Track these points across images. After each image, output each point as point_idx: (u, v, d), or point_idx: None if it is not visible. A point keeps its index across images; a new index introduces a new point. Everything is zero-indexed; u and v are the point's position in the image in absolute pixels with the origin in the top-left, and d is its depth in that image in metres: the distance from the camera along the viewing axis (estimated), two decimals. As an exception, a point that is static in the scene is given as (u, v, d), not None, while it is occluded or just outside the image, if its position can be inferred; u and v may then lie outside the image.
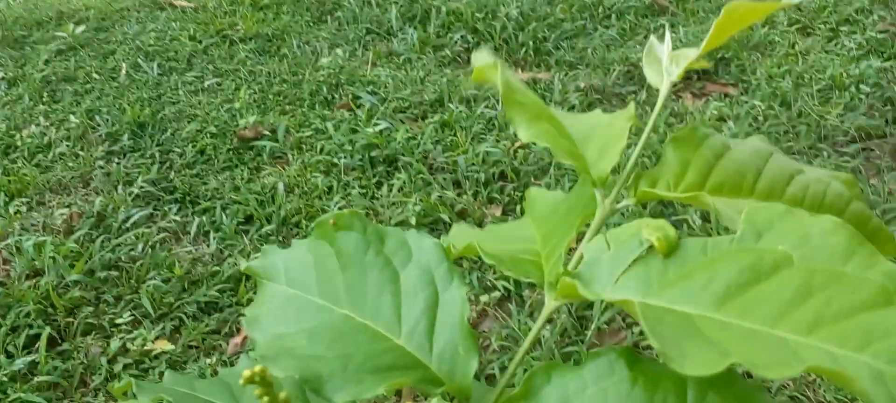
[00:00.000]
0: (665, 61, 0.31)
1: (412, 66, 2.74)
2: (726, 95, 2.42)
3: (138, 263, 1.83)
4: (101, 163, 2.26)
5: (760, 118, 2.27)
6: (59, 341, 1.65)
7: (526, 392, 0.35)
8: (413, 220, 1.87)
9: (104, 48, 3.07)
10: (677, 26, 2.87)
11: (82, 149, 2.33)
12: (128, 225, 1.97)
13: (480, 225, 1.89)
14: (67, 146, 2.34)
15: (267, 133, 2.33)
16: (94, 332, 1.67)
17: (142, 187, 2.09)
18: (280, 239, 1.90)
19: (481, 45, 2.85)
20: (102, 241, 1.91)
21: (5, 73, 2.89)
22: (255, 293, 1.53)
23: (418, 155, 2.13)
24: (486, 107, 2.39)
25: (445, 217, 1.89)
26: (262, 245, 1.88)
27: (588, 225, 0.35)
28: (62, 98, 2.69)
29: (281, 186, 2.05)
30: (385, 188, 2.04)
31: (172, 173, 2.19)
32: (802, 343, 0.23)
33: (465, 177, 2.04)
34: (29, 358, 1.57)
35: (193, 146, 2.29)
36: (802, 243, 0.26)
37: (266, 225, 1.93)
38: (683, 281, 0.28)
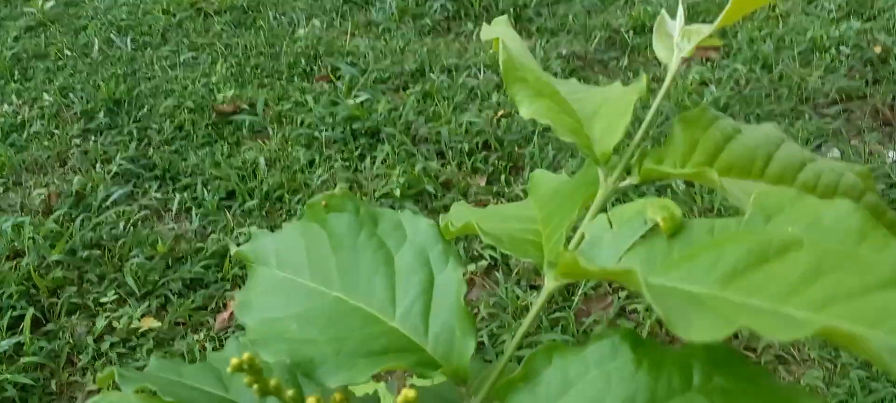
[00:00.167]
0: (677, 36, 0.30)
1: (391, 36, 2.71)
2: (708, 59, 2.42)
3: (120, 241, 1.80)
4: (77, 141, 2.21)
5: (742, 81, 2.27)
6: (44, 321, 1.63)
7: (526, 375, 0.34)
8: (397, 192, 1.86)
9: (75, 23, 2.99)
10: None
11: (57, 128, 2.28)
12: (108, 203, 1.94)
13: (465, 195, 1.88)
14: (42, 125, 2.29)
15: (246, 107, 2.29)
16: (78, 312, 1.65)
17: (120, 165, 2.05)
18: (263, 213, 1.88)
19: (461, 13, 2.81)
20: (83, 220, 1.87)
21: (-27, 51, 2.81)
22: (240, 268, 1.52)
23: (401, 126, 2.11)
24: (468, 76, 2.37)
25: (430, 188, 1.88)
26: (245, 221, 1.86)
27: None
28: (34, 76, 2.63)
29: (262, 161, 2.02)
30: (368, 160, 2.02)
31: (151, 150, 2.15)
32: (812, 318, 0.23)
33: (448, 147, 2.03)
34: (14, 340, 1.55)
35: (171, 122, 2.25)
36: (813, 226, 0.25)
37: (248, 201, 1.91)
38: (688, 261, 0.27)
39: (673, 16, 0.34)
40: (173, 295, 1.66)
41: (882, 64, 2.29)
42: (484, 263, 1.67)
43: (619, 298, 1.56)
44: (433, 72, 2.40)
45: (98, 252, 1.79)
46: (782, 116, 2.10)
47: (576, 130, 0.32)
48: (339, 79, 2.40)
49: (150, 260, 1.75)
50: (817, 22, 2.54)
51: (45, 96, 2.42)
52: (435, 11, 2.80)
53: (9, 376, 1.48)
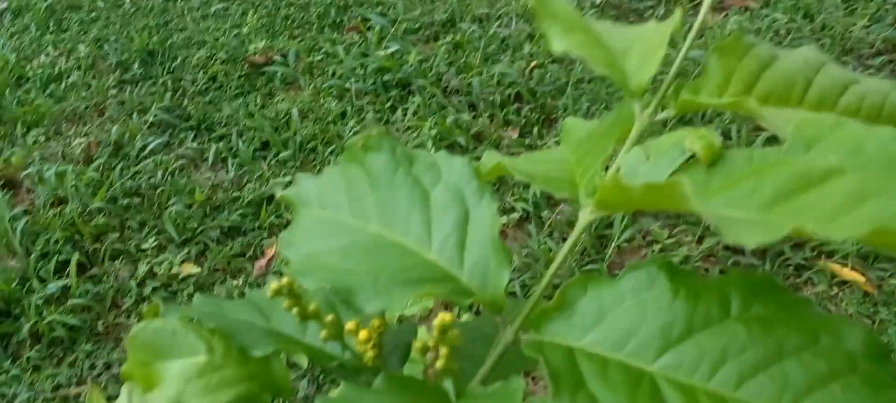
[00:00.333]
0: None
1: (423, -15, 2.67)
2: (746, 8, 2.34)
3: (159, 190, 1.85)
4: (113, 92, 2.25)
5: (782, 31, 2.20)
6: (89, 266, 1.69)
7: (560, 304, 0.35)
8: (429, 144, 1.86)
9: (108, -26, 3.01)
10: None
11: (94, 78, 2.32)
12: (145, 152, 1.98)
13: (498, 148, 1.87)
14: (78, 76, 2.33)
15: (277, 58, 2.30)
16: (121, 257, 1.70)
17: (156, 115, 2.09)
18: (297, 164, 1.90)
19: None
20: (122, 169, 1.92)
21: (9, 3, 2.85)
22: (276, 217, 1.54)
23: (431, 77, 2.10)
24: (499, 26, 2.34)
25: (462, 140, 1.88)
26: (279, 171, 1.88)
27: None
28: (69, 27, 2.66)
29: (295, 112, 2.04)
30: (399, 112, 2.02)
31: (185, 100, 2.18)
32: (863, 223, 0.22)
33: (480, 99, 2.01)
34: (61, 283, 1.62)
35: (204, 73, 2.27)
36: (855, 153, 0.25)
37: (283, 151, 1.93)
38: (728, 189, 0.27)
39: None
40: (212, 242, 1.70)
41: (932, 12, 2.20)
42: (516, 215, 1.67)
43: (653, 251, 1.56)
44: (464, 22, 2.38)
45: (138, 200, 1.83)
46: (824, 67, 2.04)
47: (610, 63, 0.32)
48: (369, 29, 2.39)
49: (189, 208, 1.79)
50: (865, -32, 2.44)
51: (81, 47, 2.46)
52: (466, -40, 2.75)
53: (58, 317, 1.54)
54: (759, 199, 0.25)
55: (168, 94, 2.18)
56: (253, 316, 0.44)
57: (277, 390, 0.39)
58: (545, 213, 1.66)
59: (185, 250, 1.69)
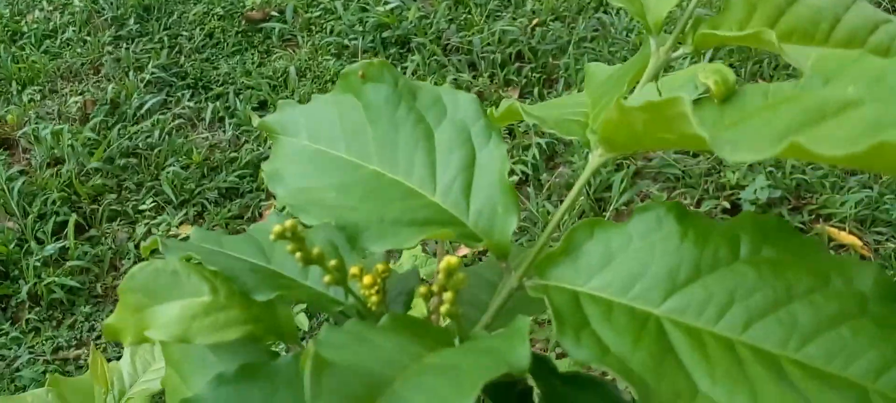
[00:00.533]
0: None
1: (423, -58, 2.62)
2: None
3: (156, 150, 1.83)
4: (109, 48, 2.22)
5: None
6: (86, 227, 1.68)
7: (566, 248, 0.34)
8: (428, 102, 1.84)
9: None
10: None
11: (89, 34, 2.29)
12: (142, 112, 1.96)
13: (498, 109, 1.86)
14: (73, 31, 2.30)
15: (275, 14, 2.27)
16: (119, 218, 1.70)
17: (153, 73, 2.06)
18: (295, 123, 1.89)
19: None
20: (119, 129, 1.90)
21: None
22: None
23: (431, 35, 2.07)
24: (502, -17, 2.30)
25: (461, 98, 1.86)
26: (277, 129, 1.87)
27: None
28: (64, -18, 2.61)
29: (292, 70, 2.02)
30: (398, 70, 2.00)
31: (182, 58, 2.15)
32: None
33: (480, 57, 1.99)
34: (59, 244, 1.61)
35: (201, 29, 2.24)
36: (876, 84, 0.24)
37: (280, 110, 1.91)
38: (740, 124, 0.26)
39: None
40: (209, 203, 1.70)
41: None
42: (514, 178, 1.67)
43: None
44: (465, -20, 2.33)
45: (135, 160, 1.82)
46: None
47: (627, -4, 0.31)
48: (368, -14, 2.35)
49: (186, 169, 1.78)
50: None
51: (76, 2, 2.42)
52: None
53: (56, 279, 1.54)
54: (772, 133, 0.24)
55: (165, 51, 2.16)
56: (253, 254, 0.42)
57: (281, 334, 0.38)
58: (544, 177, 1.65)
59: (183, 211, 1.68)
